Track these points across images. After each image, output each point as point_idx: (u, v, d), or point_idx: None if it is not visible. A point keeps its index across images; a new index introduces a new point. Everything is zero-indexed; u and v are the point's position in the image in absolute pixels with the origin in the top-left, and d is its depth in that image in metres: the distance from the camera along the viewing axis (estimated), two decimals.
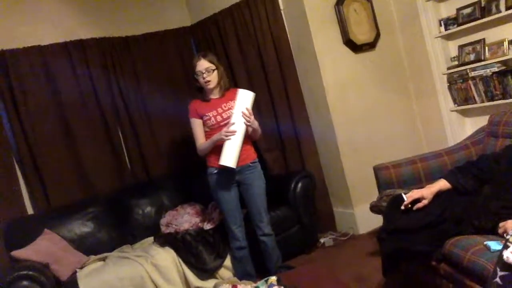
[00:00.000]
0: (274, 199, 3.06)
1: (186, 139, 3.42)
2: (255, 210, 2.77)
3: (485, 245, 1.75)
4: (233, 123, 2.56)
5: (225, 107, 2.70)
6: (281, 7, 3.47)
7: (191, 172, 3.56)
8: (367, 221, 3.27)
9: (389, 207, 2.26)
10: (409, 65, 3.62)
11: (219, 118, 2.67)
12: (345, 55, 3.43)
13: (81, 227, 3.21)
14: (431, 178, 2.49)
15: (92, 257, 3.01)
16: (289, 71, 3.49)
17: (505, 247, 1.25)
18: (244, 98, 2.59)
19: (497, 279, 1.25)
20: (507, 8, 2.90)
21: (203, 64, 2.64)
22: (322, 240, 3.41)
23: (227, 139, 2.54)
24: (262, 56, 3.53)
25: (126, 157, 3.68)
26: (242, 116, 2.56)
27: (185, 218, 3.17)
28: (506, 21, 2.98)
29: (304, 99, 3.52)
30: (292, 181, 3.27)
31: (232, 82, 3.46)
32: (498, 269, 1.26)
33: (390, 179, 2.62)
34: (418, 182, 2.51)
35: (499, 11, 2.95)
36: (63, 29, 3.54)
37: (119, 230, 3.31)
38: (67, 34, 3.51)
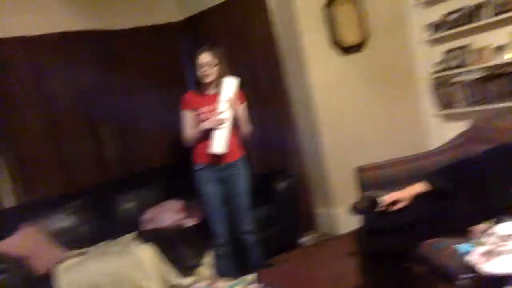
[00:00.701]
0: (257, 197, 3.07)
1: (172, 134, 3.41)
2: (238, 207, 2.78)
3: (457, 247, 1.78)
4: (221, 111, 2.58)
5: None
6: (271, 6, 3.47)
7: (177, 168, 3.55)
8: (348, 221, 3.27)
9: (368, 208, 2.28)
10: (395, 68, 3.65)
11: (212, 114, 2.65)
12: (332, 57, 3.45)
13: (62, 221, 3.19)
14: (411, 180, 2.51)
15: (73, 251, 2.98)
16: (276, 70, 3.50)
17: (468, 250, 1.27)
18: (228, 86, 2.62)
19: (461, 282, 1.28)
20: (492, 16, 2.94)
21: (205, 57, 2.64)
22: (303, 240, 3.42)
23: (218, 128, 2.56)
24: (251, 55, 3.53)
25: (110, 151, 3.65)
26: (228, 103, 2.58)
27: (167, 215, 3.16)
28: (492, 27, 3.02)
29: (291, 98, 3.54)
30: (275, 180, 3.28)
31: None
32: (462, 272, 1.28)
33: (371, 181, 2.64)
34: (399, 184, 2.51)
35: (485, 18, 2.99)
36: (49, 20, 3.50)
37: (101, 225, 3.29)
38: (53, 25, 3.48)
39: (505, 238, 1.18)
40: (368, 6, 3.56)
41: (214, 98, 2.67)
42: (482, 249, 1.23)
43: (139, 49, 3.80)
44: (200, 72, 2.64)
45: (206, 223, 2.86)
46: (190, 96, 2.74)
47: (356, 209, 2.66)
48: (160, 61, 3.89)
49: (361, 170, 2.70)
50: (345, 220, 3.35)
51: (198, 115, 2.68)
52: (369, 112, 3.56)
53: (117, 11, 3.80)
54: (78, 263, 2.79)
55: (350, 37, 3.46)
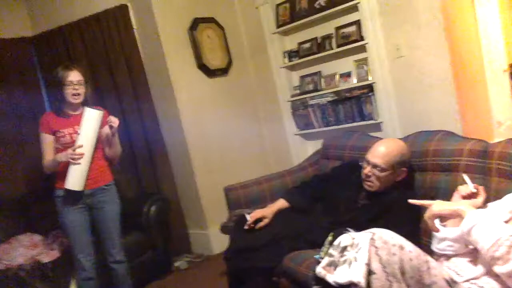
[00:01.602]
0: (126, 223, 2.92)
1: (23, 158, 3.08)
2: (107, 235, 2.60)
3: (315, 258, 1.93)
4: (80, 145, 2.39)
5: None
6: (134, 26, 3.41)
7: (30, 197, 3.19)
8: (221, 241, 3.33)
9: (234, 227, 2.35)
10: (258, 91, 3.88)
11: (75, 136, 2.45)
12: (199, 79, 3.52)
13: None
14: (275, 197, 2.66)
15: None
16: (142, 91, 3.43)
17: (318, 262, 1.40)
18: (92, 117, 2.42)
19: None
20: (337, 46, 3.33)
21: (76, 75, 2.43)
22: (176, 264, 3.36)
23: (75, 163, 2.36)
24: (114, 76, 3.41)
25: None
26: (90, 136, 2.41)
27: (19, 252, 2.81)
28: (337, 57, 3.41)
29: (158, 120, 3.49)
30: (145, 204, 3.18)
31: (95, 100, 3.25)
32: (313, 283, 1.40)
33: (238, 200, 2.74)
34: (264, 201, 2.67)
35: (331, 48, 3.37)
36: None
37: None
38: None
39: (344, 249, 1.32)
40: (232, 32, 3.74)
41: (80, 118, 2.47)
42: (325, 260, 1.36)
43: None
44: (70, 91, 2.43)
45: (68, 256, 2.61)
46: (49, 117, 2.50)
47: (225, 228, 2.73)
48: (10, 79, 3.50)
49: (229, 189, 2.78)
50: (219, 240, 3.41)
51: (59, 138, 2.47)
52: (237, 133, 3.69)
53: None
54: None
55: (215, 60, 3.58)
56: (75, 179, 2.39)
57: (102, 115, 2.48)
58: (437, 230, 1.43)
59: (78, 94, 2.46)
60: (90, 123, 2.43)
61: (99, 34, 3.36)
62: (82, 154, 2.38)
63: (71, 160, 2.37)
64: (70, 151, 2.38)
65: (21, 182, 3.37)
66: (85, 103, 2.51)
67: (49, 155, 2.48)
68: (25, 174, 3.36)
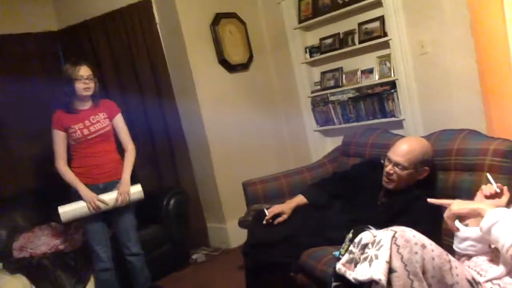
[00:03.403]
0: (145, 216, 2.97)
1: (46, 151, 3.14)
2: (122, 228, 2.66)
3: (334, 255, 1.92)
4: (107, 203, 2.51)
5: (93, 119, 2.56)
6: (157, 20, 3.44)
7: (52, 188, 3.26)
8: (239, 235, 3.35)
9: (253, 222, 2.36)
10: (279, 86, 3.87)
11: (86, 131, 2.53)
12: (220, 74, 3.53)
13: None
14: (293, 193, 2.66)
15: None
16: (164, 86, 3.46)
17: (338, 259, 1.39)
18: (135, 195, 2.60)
19: None
20: (359, 42, 3.29)
21: (86, 70, 2.50)
22: (194, 257, 3.40)
23: (89, 208, 2.48)
24: (137, 70, 3.45)
25: None
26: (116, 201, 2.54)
27: (42, 240, 2.89)
28: (359, 53, 3.37)
29: (180, 114, 3.52)
30: (164, 198, 3.21)
31: (104, 94, 3.31)
32: (332, 280, 1.40)
33: (257, 195, 2.74)
34: (282, 197, 2.67)
35: (354, 44, 3.34)
36: None
37: None
38: None
39: (364, 246, 1.31)
40: (253, 27, 3.74)
41: (88, 114, 2.56)
42: (345, 257, 1.36)
43: (9, 59, 3.44)
44: (81, 85, 2.50)
45: (87, 246, 2.68)
46: (60, 114, 2.56)
47: (243, 222, 2.74)
48: (35, 72, 3.57)
49: (247, 184, 2.79)
50: (236, 234, 3.43)
51: (71, 134, 2.53)
52: (256, 128, 3.69)
53: None
54: None
55: (236, 55, 3.58)
56: (70, 213, 2.48)
57: (139, 196, 2.62)
58: (457, 230, 1.41)
59: (89, 87, 2.52)
60: (130, 197, 2.58)
61: (123, 29, 3.40)
62: (99, 209, 2.49)
63: (88, 204, 2.48)
64: (95, 198, 2.49)
65: (42, 173, 3.44)
66: (93, 98, 2.58)
67: (62, 154, 2.55)
68: (46, 166, 3.43)
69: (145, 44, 3.40)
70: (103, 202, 2.51)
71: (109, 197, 2.54)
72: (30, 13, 3.69)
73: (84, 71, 2.50)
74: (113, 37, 3.45)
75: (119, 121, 2.65)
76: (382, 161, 2.13)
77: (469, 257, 1.52)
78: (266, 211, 2.24)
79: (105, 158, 2.58)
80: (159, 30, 3.45)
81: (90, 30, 3.52)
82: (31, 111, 3.45)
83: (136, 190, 2.62)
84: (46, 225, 3.08)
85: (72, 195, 2.55)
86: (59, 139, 2.54)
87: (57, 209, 2.48)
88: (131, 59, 3.44)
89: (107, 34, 3.46)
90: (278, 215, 2.23)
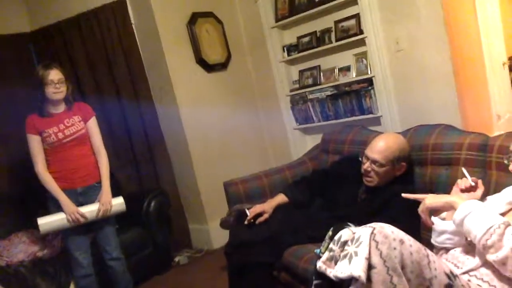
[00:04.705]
0: (126, 219, 2.92)
1: (21, 155, 3.06)
2: (101, 233, 2.61)
3: (315, 253, 1.93)
4: (86, 217, 2.47)
5: (67, 123, 2.51)
6: (132, 21, 3.39)
7: (29, 193, 3.19)
8: (221, 236, 3.33)
9: (234, 222, 2.36)
10: (257, 85, 3.87)
11: (60, 135, 2.47)
12: (198, 74, 3.51)
13: None
14: (275, 192, 2.67)
15: None
16: (141, 87, 3.42)
17: (319, 257, 1.40)
18: (117, 207, 2.56)
19: (315, 286, 1.39)
20: (336, 40, 3.31)
21: (57, 74, 2.45)
22: (176, 259, 3.37)
23: (69, 221, 2.44)
24: (113, 71, 3.39)
25: None
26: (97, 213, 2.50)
27: (19, 248, 2.81)
28: (336, 51, 3.40)
29: (158, 115, 3.48)
30: (145, 201, 3.18)
31: (79, 96, 3.25)
32: (313, 278, 1.40)
33: (238, 195, 2.73)
34: (264, 196, 2.67)
35: (331, 42, 3.36)
36: None
37: None
38: None
39: (344, 243, 1.32)
40: (230, 26, 3.72)
41: (62, 117, 2.51)
42: (326, 255, 1.36)
43: None
44: (51, 89, 2.44)
45: (66, 253, 2.62)
46: (34, 118, 2.50)
47: (225, 223, 2.73)
48: (9, 75, 3.48)
49: (228, 184, 2.78)
50: (219, 235, 3.41)
51: (45, 138, 2.47)
52: (236, 128, 3.69)
53: None
54: None
55: (214, 55, 3.56)
56: (49, 225, 2.44)
57: (120, 208, 2.58)
58: (431, 224, 1.43)
59: (61, 91, 2.48)
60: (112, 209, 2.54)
61: (97, 30, 3.34)
62: (79, 222, 2.45)
63: (68, 217, 2.44)
64: (76, 212, 2.44)
65: (18, 179, 3.36)
66: (67, 101, 2.53)
67: (40, 158, 2.49)
68: (22, 171, 3.34)
69: (121, 45, 3.35)
70: (83, 216, 2.46)
71: (90, 209, 2.49)
72: (1, 15, 3.59)
73: (54, 75, 2.45)
74: (88, 38, 3.39)
75: (93, 124, 2.60)
76: (360, 159, 2.15)
77: (447, 250, 1.54)
78: (247, 211, 2.24)
79: (81, 162, 2.53)
80: (135, 30, 3.40)
81: (64, 31, 3.44)
82: (5, 114, 3.37)
83: (118, 202, 2.58)
84: (23, 232, 3.00)
85: (50, 201, 2.50)
86: (35, 144, 2.48)
87: (36, 220, 2.42)
88: (107, 61, 3.38)
89: (82, 35, 3.39)
90: (259, 214, 2.23)
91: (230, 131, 3.65)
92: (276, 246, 2.13)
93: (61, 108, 2.54)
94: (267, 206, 2.25)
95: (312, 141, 3.64)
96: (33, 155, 2.49)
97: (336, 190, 2.23)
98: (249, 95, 3.85)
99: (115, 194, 2.64)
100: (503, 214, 1.43)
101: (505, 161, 1.51)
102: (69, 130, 2.50)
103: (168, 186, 3.47)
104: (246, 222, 2.21)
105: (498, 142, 1.74)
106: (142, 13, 3.37)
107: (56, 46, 3.50)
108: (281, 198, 2.33)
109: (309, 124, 3.61)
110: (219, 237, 3.42)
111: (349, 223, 1.70)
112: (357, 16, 3.15)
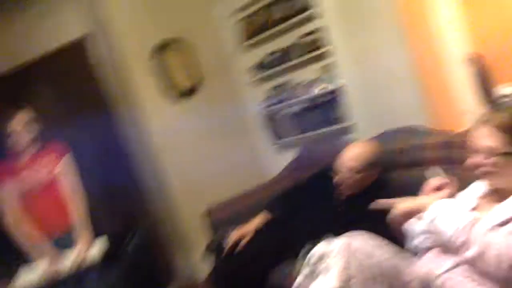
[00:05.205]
0: (105, 262, 2.83)
1: None
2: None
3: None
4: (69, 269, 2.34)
5: (36, 168, 2.42)
6: (95, 59, 3.37)
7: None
8: (208, 266, 3.27)
9: (216, 253, 2.32)
10: (229, 109, 3.82)
11: (26, 185, 2.37)
12: (167, 102, 3.47)
13: None
14: (257, 211, 2.65)
15: None
16: (109, 120, 3.39)
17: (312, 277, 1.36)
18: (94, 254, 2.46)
19: None
20: (303, 55, 3.35)
21: (20, 120, 2.32)
22: None
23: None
24: (79, 112, 3.35)
25: None
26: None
27: None
28: (304, 65, 3.42)
29: (131, 148, 3.44)
30: (125, 239, 3.09)
31: (49, 135, 3.20)
32: None
33: (221, 220, 2.69)
34: (246, 217, 2.63)
35: (297, 57, 3.39)
36: None
37: None
38: None
39: (321, 257, 1.31)
40: (196, 52, 3.72)
41: (31, 162, 2.41)
42: (305, 270, 1.34)
43: None
44: (14, 140, 2.33)
45: None
46: (2, 165, 2.39)
47: (207, 256, 2.68)
48: None
49: (209, 212, 2.74)
50: (205, 266, 3.33)
51: (19, 182, 2.38)
52: (211, 153, 3.63)
53: None
54: None
55: (182, 82, 3.56)
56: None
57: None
58: (403, 229, 1.43)
59: (25, 140, 2.35)
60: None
61: (60, 69, 3.32)
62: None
63: (50, 269, 2.30)
64: (55, 266, 2.30)
65: None
66: (35, 143, 2.42)
67: (11, 206, 2.35)
68: None
69: (83, 84, 3.33)
70: (64, 271, 2.33)
71: (65, 265, 2.37)
72: None
73: (16, 124, 2.33)
74: (49, 81, 3.35)
75: (66, 164, 2.52)
76: (334, 170, 2.15)
77: (425, 251, 1.54)
78: (225, 241, 2.21)
79: (53, 210, 2.44)
80: (100, 67, 3.38)
81: (24, 75, 3.40)
82: None
83: (96, 249, 2.48)
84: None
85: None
86: (6, 193, 2.36)
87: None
88: (70, 101, 3.35)
89: (44, 76, 3.36)
90: (241, 238, 2.20)
91: (205, 156, 3.55)
92: (261, 266, 2.11)
93: (30, 151, 2.44)
94: (247, 229, 2.23)
95: (288, 157, 3.62)
96: (5, 204, 2.39)
97: (315, 203, 2.22)
98: (222, 117, 3.80)
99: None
100: (475, 209, 1.44)
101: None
102: (36, 176, 2.42)
103: (147, 221, 3.40)
104: (228, 251, 2.17)
105: (461, 137, 1.76)
106: (106, 49, 3.35)
107: (18, 90, 3.43)
108: (261, 217, 2.31)
109: (284, 140, 3.62)
110: (205, 268, 3.34)
111: (327, 235, 1.69)
112: (321, 29, 3.21)
